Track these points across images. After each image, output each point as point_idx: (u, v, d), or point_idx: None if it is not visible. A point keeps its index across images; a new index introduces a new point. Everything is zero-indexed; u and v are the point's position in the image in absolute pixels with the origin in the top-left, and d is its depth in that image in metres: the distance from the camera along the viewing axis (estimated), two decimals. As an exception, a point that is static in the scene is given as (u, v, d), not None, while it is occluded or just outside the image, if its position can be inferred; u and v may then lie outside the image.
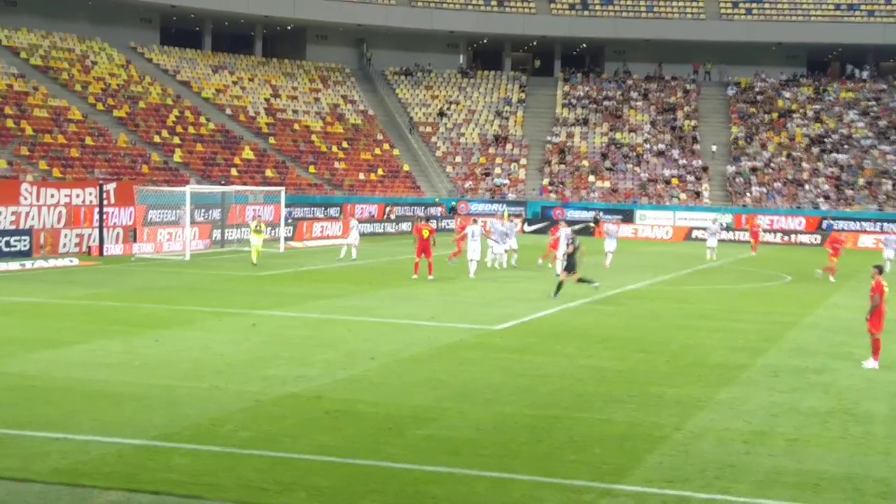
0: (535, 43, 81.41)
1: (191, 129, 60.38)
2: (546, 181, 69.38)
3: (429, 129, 74.32)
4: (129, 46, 66.74)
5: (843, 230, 57.47)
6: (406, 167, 69.30)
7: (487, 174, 70.33)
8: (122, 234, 41.33)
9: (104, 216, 40.16)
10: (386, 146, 70.67)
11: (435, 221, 47.44)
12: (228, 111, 65.63)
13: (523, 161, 71.76)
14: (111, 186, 41.60)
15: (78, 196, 40.14)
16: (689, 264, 42.14)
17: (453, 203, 66.68)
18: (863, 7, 76.71)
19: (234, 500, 10.58)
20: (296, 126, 67.94)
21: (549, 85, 79.65)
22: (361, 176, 65.79)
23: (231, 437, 12.78)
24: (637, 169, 70.37)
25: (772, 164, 69.57)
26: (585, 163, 70.96)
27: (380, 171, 67.26)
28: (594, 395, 15.76)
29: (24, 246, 37.34)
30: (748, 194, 67.01)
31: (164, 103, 61.82)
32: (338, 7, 72.66)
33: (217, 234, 46.02)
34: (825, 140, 71.34)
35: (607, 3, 78.19)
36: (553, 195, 67.81)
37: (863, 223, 61.11)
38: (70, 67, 60.25)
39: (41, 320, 22.47)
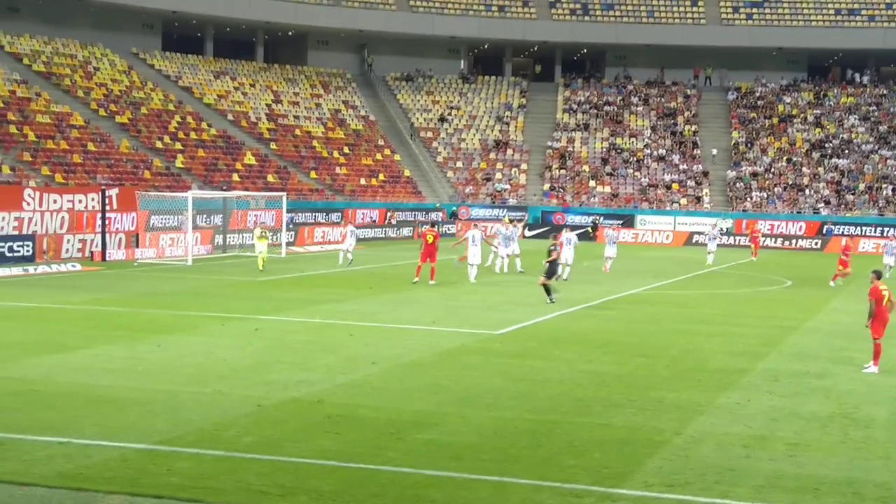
0: (535, 48, 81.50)
1: (192, 135, 60.49)
2: (547, 186, 69.45)
3: (430, 134, 74.41)
4: (131, 52, 66.85)
5: (843, 234, 57.58)
6: (407, 172, 69.39)
7: (488, 179, 70.41)
8: (124, 239, 41.41)
9: (107, 221, 40.26)
10: (387, 151, 70.76)
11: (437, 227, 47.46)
12: (230, 117, 65.74)
13: (524, 166, 71.82)
14: (113, 192, 41.71)
15: (80, 201, 40.23)
16: (690, 269, 42.17)
17: (454, 208, 66.76)
18: (863, 12, 76.78)
19: (236, 503, 10.65)
20: (297, 131, 68.04)
21: (549, 90, 79.72)
22: (362, 181, 65.87)
23: (233, 442, 12.84)
24: (638, 174, 70.44)
25: (772, 169, 69.64)
26: (586, 168, 71.03)
27: (381, 177, 67.35)
28: (594, 400, 15.81)
29: (27, 251, 37.42)
30: (749, 199, 67.07)
31: (166, 109, 61.94)
32: (339, 13, 72.81)
33: (219, 239, 46.10)
34: (826, 145, 71.39)
35: (608, 8, 78.30)
36: (554, 200, 67.90)
37: (863, 228, 61.15)
38: (72, 73, 60.38)
39: (44, 325, 22.53)
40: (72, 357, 18.47)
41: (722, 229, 59.53)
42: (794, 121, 74.23)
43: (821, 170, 69.23)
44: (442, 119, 75.48)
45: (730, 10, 78.03)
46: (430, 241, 32.63)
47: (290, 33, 75.21)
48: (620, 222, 62.90)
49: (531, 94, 79.05)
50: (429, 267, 32.68)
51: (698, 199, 67.60)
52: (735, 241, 59.73)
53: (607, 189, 69.00)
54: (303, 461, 12.08)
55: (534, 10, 77.89)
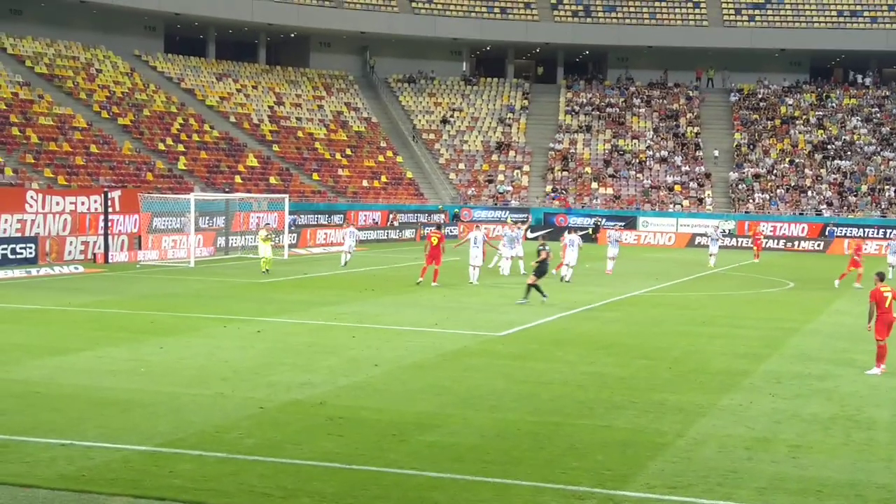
0: (537, 50, 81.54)
1: (195, 137, 60.54)
2: (549, 188, 69.46)
3: (432, 136, 74.43)
4: (133, 54, 66.94)
5: (847, 237, 57.61)
6: (409, 174, 69.41)
7: (490, 181, 70.42)
8: (126, 241, 41.43)
9: (109, 223, 40.30)
10: (389, 153, 70.80)
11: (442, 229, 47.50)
12: (232, 119, 65.79)
13: (526, 168, 71.83)
14: (116, 194, 41.73)
15: (83, 203, 40.26)
16: (692, 271, 42.15)
17: (456, 210, 66.78)
18: (865, 14, 76.78)
19: (239, 506, 10.67)
20: (299, 133, 68.09)
21: (551, 92, 79.74)
22: (365, 183, 65.91)
23: (236, 444, 12.84)
24: (640, 176, 70.44)
25: (774, 171, 69.61)
26: (588, 170, 71.03)
27: (383, 179, 67.38)
28: (596, 402, 15.80)
29: (30, 253, 37.44)
30: (751, 201, 67.04)
31: (169, 111, 62.00)
32: (341, 15, 72.88)
33: (221, 241, 46.13)
34: (828, 147, 71.36)
35: (610, 10, 78.31)
36: (556, 202, 67.90)
37: (866, 230, 61.13)
38: (75, 75, 60.44)
39: (46, 327, 22.54)
40: (74, 359, 18.48)
41: (724, 231, 59.51)
42: (797, 122, 74.21)
43: (823, 171, 69.20)
44: (444, 121, 75.51)
45: (732, 11, 78.01)
46: (435, 243, 32.74)
47: (293, 35, 75.28)
48: (622, 224, 62.89)
49: (533, 96, 79.09)
50: (433, 269, 32.72)
51: (700, 200, 67.58)
52: (737, 242, 59.71)
53: (609, 191, 68.99)
54: (305, 463, 12.08)
55: (536, 12, 77.91)
